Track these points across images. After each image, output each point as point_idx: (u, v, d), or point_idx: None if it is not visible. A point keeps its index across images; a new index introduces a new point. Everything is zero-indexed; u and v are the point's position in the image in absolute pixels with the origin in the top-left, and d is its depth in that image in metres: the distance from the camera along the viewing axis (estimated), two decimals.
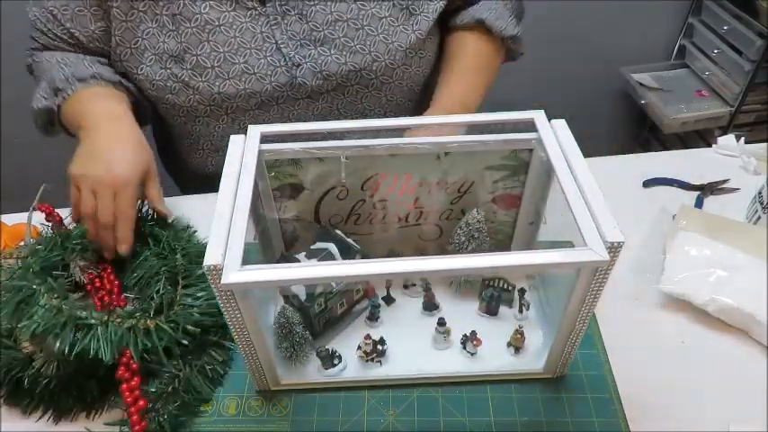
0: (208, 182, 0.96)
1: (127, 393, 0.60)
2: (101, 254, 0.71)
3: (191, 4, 0.78)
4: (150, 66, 0.81)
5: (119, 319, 0.61)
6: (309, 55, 0.82)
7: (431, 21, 0.85)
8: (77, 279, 0.68)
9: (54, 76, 0.81)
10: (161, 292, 0.66)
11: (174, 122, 0.89)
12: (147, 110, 0.89)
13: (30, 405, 0.65)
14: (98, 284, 0.69)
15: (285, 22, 0.80)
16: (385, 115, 0.92)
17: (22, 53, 0.94)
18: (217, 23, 0.79)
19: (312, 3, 0.80)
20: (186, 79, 0.81)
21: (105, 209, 0.68)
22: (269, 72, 0.82)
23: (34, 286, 0.62)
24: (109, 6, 0.79)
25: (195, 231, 0.78)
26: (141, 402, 0.60)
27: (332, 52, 0.82)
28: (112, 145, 0.72)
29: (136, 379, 0.61)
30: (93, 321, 0.60)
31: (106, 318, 0.61)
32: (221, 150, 0.89)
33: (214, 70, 0.80)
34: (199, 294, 0.67)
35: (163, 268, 0.69)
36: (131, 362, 0.61)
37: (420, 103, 0.95)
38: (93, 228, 0.69)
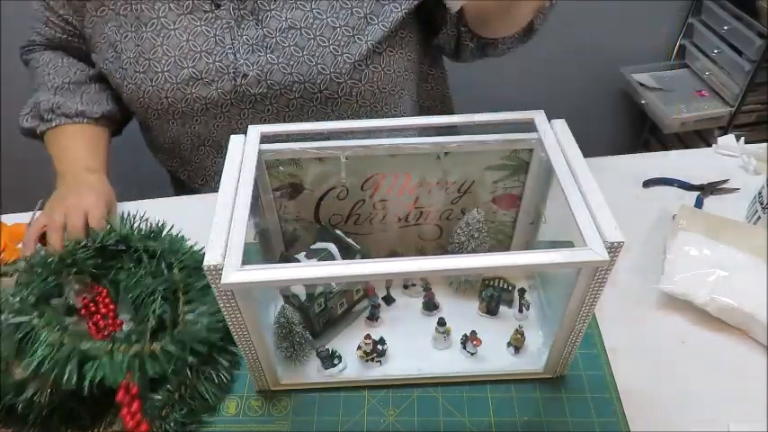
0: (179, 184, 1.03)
1: (128, 419, 0.58)
2: (96, 276, 0.70)
3: (149, 9, 0.80)
4: (112, 63, 0.84)
5: (122, 347, 0.60)
6: (257, 62, 0.80)
7: (387, 29, 0.81)
8: (71, 303, 0.66)
9: (41, 98, 0.88)
10: (156, 311, 0.63)
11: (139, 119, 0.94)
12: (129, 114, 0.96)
13: (23, 430, 0.62)
14: (93, 308, 0.67)
15: (241, 26, 0.80)
16: None
17: None
18: (172, 27, 0.80)
19: (267, 8, 0.79)
20: (138, 82, 0.82)
21: (77, 224, 0.74)
22: (215, 78, 0.81)
23: (34, 321, 0.60)
24: (84, 1, 0.83)
25: (195, 244, 0.74)
26: (143, 427, 0.58)
27: (279, 61, 0.80)
28: (83, 191, 0.79)
29: (136, 403, 0.59)
30: (97, 352, 0.59)
31: (110, 347, 0.59)
32: (176, 151, 0.94)
33: (163, 75, 0.81)
34: (202, 309, 0.65)
35: (159, 287, 0.66)
36: (131, 385, 0.59)
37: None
38: (57, 241, 0.73)
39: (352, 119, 0.87)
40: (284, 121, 0.86)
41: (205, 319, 0.65)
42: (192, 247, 0.73)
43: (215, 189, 0.95)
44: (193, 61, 0.80)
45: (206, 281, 0.62)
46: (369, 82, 0.84)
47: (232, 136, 0.63)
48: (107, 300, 0.68)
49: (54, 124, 0.87)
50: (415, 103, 0.96)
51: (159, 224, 0.75)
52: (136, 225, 0.74)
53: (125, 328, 0.66)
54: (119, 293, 0.68)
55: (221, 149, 0.91)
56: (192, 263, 0.70)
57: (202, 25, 0.80)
